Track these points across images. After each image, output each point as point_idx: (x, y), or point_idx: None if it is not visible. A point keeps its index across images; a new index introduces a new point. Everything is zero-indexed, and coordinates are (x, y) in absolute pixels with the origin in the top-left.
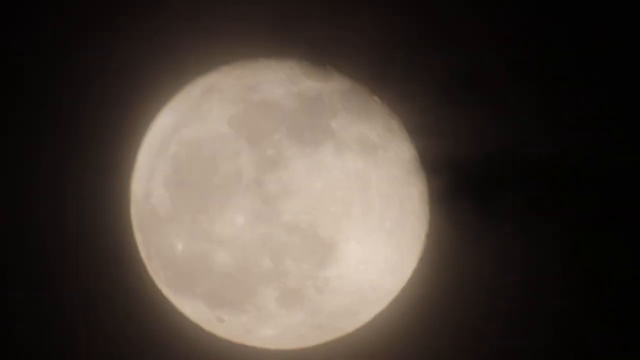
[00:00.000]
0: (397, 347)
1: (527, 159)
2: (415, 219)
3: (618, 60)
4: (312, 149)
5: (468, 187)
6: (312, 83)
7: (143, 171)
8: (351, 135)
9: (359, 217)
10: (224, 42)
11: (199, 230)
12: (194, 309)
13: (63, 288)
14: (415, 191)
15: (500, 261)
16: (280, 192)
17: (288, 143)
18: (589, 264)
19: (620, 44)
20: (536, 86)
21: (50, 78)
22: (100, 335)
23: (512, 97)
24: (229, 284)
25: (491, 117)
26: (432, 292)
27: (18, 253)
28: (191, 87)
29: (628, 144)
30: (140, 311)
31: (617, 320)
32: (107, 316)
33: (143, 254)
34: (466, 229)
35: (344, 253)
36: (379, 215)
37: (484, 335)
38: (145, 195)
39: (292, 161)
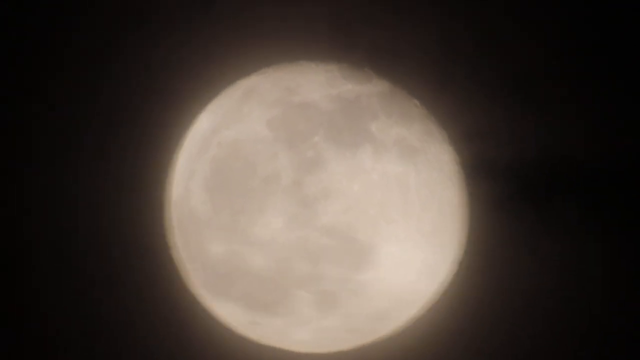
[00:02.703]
0: (432, 353)
1: (578, 163)
2: (454, 222)
3: None
4: (350, 151)
5: (513, 192)
6: (351, 86)
7: (183, 172)
8: (390, 138)
9: (397, 220)
10: (265, 45)
11: (237, 233)
12: (229, 311)
13: (100, 288)
14: (454, 195)
15: (545, 267)
16: (319, 195)
17: (327, 145)
18: None
19: None
20: (589, 90)
21: (93, 79)
22: (135, 337)
23: (561, 102)
24: (265, 287)
25: (539, 122)
26: (471, 298)
27: (56, 253)
28: (232, 89)
29: None
30: (177, 313)
31: None
32: (143, 317)
33: (181, 255)
34: (510, 234)
35: (381, 256)
36: (418, 218)
37: (521, 343)
38: (185, 197)
39: (330, 164)
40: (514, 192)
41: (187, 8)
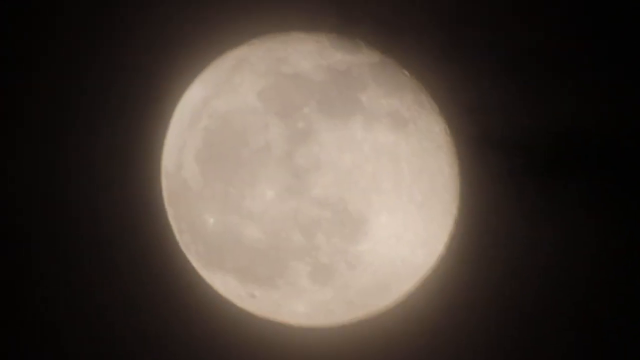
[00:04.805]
0: (428, 325)
1: (583, 138)
2: (446, 193)
3: None
4: (342, 122)
5: (510, 165)
6: (342, 56)
7: (174, 144)
8: (381, 108)
9: (389, 191)
10: (255, 15)
11: (230, 204)
12: (225, 284)
13: (93, 262)
14: (446, 166)
15: (543, 241)
16: (311, 166)
17: (318, 116)
18: None
19: None
20: (597, 63)
21: (80, 52)
22: (129, 310)
23: (565, 75)
24: (260, 259)
25: (539, 95)
26: (467, 269)
27: (47, 227)
28: (222, 60)
29: None
30: (171, 285)
31: None
32: (137, 290)
33: (174, 227)
34: (507, 207)
35: (374, 227)
36: (409, 189)
37: (517, 314)
38: (177, 169)
39: (322, 135)
40: (512, 165)
41: None
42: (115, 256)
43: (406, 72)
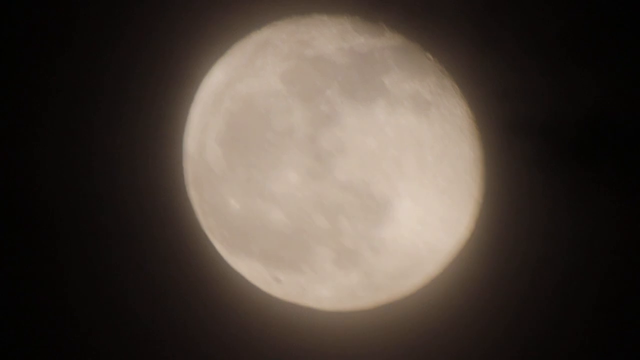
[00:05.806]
0: (452, 310)
1: (608, 123)
2: (468, 177)
3: None
4: (364, 105)
5: (533, 150)
6: (364, 39)
7: (197, 127)
8: (404, 92)
9: (412, 175)
10: None
11: (253, 188)
12: (250, 268)
13: (116, 246)
14: (468, 149)
15: (565, 227)
16: (334, 149)
17: (340, 100)
18: None
19: None
20: (623, 48)
21: (104, 34)
22: (154, 295)
23: (581, 59)
24: (285, 243)
25: (558, 79)
26: (490, 254)
27: (70, 211)
28: (245, 42)
29: None
30: (196, 270)
31: None
32: (161, 275)
33: (198, 211)
34: (525, 191)
35: (398, 212)
36: (432, 173)
37: (539, 298)
38: (199, 152)
39: (344, 118)
40: (536, 150)
41: None
42: (139, 241)
43: (429, 56)
